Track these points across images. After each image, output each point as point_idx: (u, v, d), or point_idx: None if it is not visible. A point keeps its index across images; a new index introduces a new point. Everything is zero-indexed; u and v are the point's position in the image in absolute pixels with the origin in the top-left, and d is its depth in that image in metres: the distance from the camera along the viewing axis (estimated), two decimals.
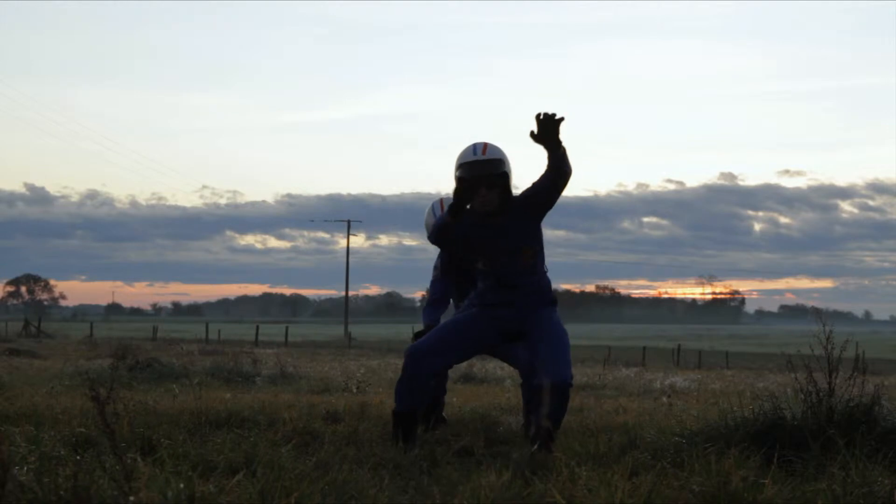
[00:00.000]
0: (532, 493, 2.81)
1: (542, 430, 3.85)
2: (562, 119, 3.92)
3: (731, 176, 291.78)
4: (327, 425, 4.72)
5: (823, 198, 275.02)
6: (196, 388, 6.39)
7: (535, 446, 3.63)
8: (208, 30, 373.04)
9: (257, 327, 39.19)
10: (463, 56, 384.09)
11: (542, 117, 3.91)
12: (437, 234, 4.21)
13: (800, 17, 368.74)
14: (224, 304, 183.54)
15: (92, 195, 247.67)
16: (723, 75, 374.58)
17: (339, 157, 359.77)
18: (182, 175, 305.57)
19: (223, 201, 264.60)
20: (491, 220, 4.20)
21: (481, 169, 4.16)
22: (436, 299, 5.24)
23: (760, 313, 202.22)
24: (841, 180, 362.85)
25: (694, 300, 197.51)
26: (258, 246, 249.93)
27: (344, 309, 63.62)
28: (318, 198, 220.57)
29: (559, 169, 4.04)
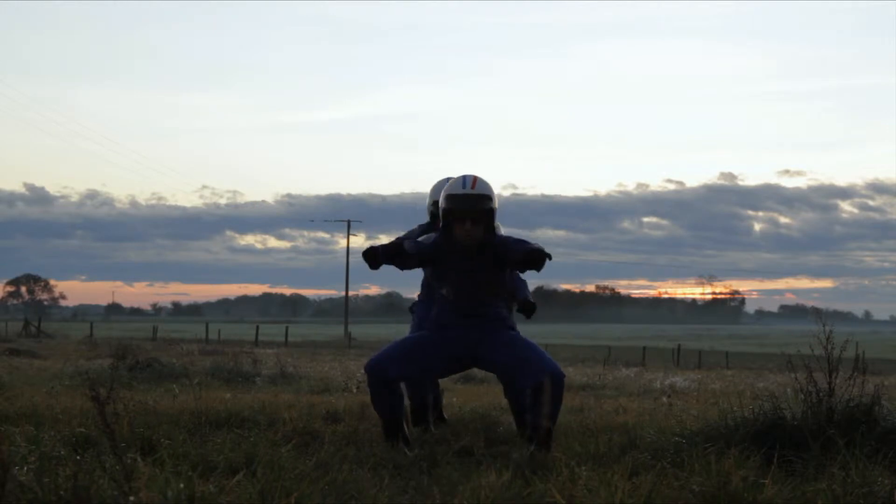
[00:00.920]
0: (532, 493, 2.82)
1: (541, 431, 3.85)
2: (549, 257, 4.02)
3: (731, 176, 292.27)
4: (327, 425, 4.72)
5: (823, 198, 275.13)
6: (196, 389, 6.37)
7: (534, 446, 3.63)
8: (208, 30, 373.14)
9: (257, 327, 39.22)
10: (463, 56, 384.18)
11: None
12: (425, 252, 4.18)
13: (800, 17, 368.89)
14: (224, 304, 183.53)
15: (92, 195, 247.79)
16: (723, 75, 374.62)
17: (339, 157, 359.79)
18: (182, 175, 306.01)
19: (223, 201, 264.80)
20: (468, 254, 4.18)
21: (470, 203, 4.11)
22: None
23: (760, 313, 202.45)
24: (841, 180, 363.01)
25: (694, 300, 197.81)
26: (258, 246, 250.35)
27: (344, 309, 63.56)
28: (318, 198, 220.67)
29: (531, 268, 4.07)
